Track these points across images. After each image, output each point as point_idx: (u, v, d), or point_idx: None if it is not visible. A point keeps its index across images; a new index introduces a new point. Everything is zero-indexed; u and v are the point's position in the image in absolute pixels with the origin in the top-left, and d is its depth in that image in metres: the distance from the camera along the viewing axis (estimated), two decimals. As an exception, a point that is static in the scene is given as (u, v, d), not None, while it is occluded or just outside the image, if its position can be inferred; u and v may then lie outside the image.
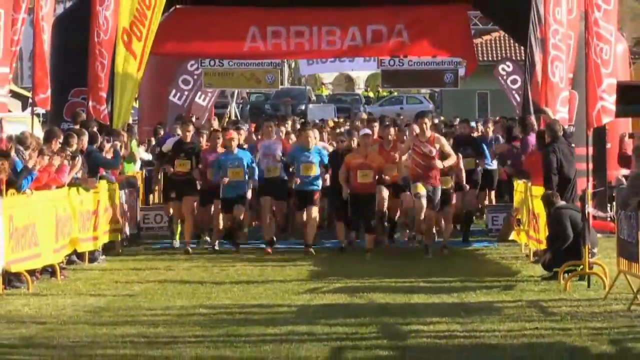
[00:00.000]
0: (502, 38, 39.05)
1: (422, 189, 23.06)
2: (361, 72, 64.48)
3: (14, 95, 27.61)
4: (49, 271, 20.54)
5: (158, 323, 15.94)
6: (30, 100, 24.18)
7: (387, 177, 24.34)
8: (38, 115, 23.43)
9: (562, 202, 19.16)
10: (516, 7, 22.74)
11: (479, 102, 49.60)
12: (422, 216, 23.46)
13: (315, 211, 24.79)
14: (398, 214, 26.20)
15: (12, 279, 19.18)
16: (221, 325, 15.80)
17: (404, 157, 23.77)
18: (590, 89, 19.07)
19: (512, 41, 30.07)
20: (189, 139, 24.66)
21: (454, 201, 25.20)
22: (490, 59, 38.89)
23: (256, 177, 24.77)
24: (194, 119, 28.01)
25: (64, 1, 24.50)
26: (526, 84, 20.34)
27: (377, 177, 24.12)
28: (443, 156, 23.37)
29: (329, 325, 15.67)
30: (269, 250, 24.72)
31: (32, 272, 19.73)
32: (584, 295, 18.36)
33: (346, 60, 38.17)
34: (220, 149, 24.88)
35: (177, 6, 25.68)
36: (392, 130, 25.66)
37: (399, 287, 19.10)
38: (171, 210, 26.12)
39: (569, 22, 20.64)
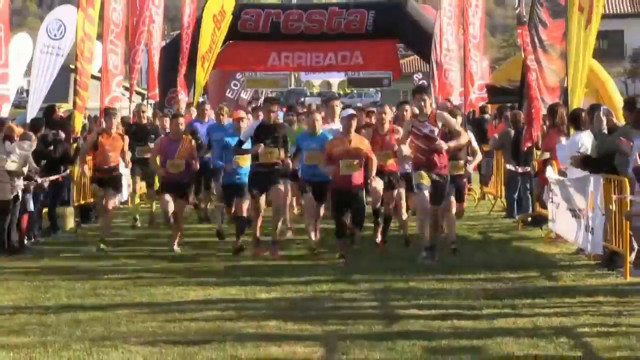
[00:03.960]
0: (416, 59, 38.47)
1: (426, 179, 11.31)
2: (335, 79, 64.53)
3: (137, 92, 27.18)
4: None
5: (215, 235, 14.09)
6: (145, 95, 24.09)
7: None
8: (150, 104, 23.11)
9: None
10: (423, 41, 22.44)
11: (402, 96, 48.96)
12: (424, 212, 11.50)
13: (323, 207, 12.68)
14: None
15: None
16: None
17: (404, 148, 11.62)
18: (466, 87, 19.19)
19: (422, 61, 29.51)
20: (272, 121, 12.13)
21: (466, 190, 14.12)
22: (409, 71, 38.46)
23: None
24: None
25: (165, 40, 24.53)
26: (430, 85, 20.00)
27: (365, 167, 11.69)
28: (450, 136, 11.48)
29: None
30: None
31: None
32: (463, 206, 18.28)
33: (327, 72, 38.02)
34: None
35: (230, 42, 25.42)
36: (386, 109, 13.01)
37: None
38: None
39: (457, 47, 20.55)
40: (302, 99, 62.47)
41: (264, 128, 12.06)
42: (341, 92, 67.66)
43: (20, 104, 27.98)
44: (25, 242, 13.06)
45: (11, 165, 12.43)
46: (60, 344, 7.56)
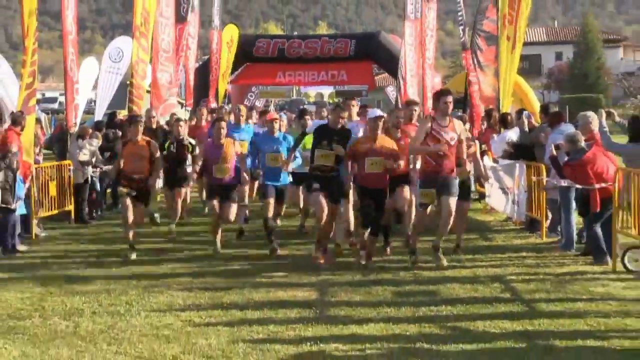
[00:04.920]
0: (387, 76, 38.27)
1: (430, 198, 8.30)
2: (326, 91, 64.56)
3: (178, 102, 27.18)
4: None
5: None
6: (184, 104, 23.97)
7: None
8: (187, 111, 23.04)
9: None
10: (392, 62, 22.34)
11: (377, 105, 49.04)
12: (420, 228, 8.74)
13: (347, 204, 9.14)
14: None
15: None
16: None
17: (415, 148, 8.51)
18: (425, 96, 19.09)
19: (391, 77, 29.45)
20: (340, 125, 8.63)
21: (471, 195, 10.56)
22: (382, 85, 38.19)
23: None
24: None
25: (199, 62, 24.35)
26: (398, 97, 19.93)
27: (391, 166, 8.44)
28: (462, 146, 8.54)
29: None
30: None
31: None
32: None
33: (320, 86, 37.86)
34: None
35: (248, 63, 25.32)
36: (401, 113, 9.32)
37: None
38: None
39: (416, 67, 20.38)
40: (301, 106, 62.74)
41: (326, 129, 8.78)
42: (330, 101, 67.85)
43: (89, 111, 27.78)
44: (94, 214, 13.05)
45: (83, 157, 12.50)
46: (120, 290, 7.56)
